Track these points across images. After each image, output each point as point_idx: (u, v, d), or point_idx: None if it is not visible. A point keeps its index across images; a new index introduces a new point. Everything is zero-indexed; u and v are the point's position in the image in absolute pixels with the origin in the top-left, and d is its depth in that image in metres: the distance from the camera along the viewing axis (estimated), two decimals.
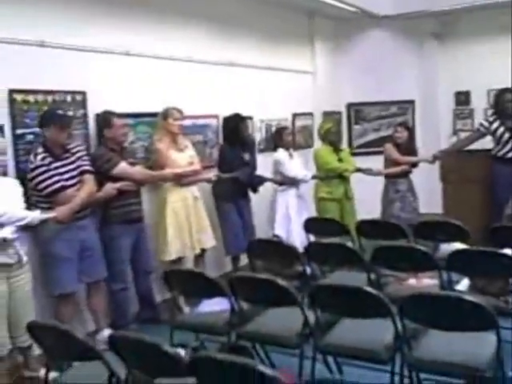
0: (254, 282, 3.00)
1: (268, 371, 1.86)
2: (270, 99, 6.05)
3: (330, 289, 2.84)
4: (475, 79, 6.88)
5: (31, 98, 3.69)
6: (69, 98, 3.94)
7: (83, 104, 4.03)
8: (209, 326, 3.20)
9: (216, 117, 5.32)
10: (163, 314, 4.22)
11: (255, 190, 5.21)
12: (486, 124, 5.55)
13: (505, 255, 3.21)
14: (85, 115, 4.05)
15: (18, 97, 3.62)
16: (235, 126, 5.00)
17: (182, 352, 2.87)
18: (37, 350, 3.25)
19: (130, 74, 4.42)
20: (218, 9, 5.30)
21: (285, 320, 3.00)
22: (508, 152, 5.35)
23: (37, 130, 3.66)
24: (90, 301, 3.91)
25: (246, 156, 5.05)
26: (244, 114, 5.16)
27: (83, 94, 4.02)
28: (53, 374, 2.66)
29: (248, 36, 5.75)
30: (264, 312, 3.20)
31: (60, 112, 3.67)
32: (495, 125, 5.43)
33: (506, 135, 5.33)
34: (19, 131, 3.63)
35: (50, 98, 3.80)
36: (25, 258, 3.23)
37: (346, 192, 5.51)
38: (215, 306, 3.31)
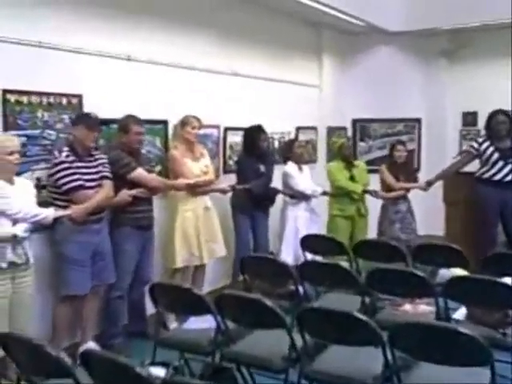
0: (241, 302, 2.89)
1: None
2: (274, 111, 5.95)
3: (318, 312, 2.72)
4: (483, 100, 6.76)
5: (25, 99, 3.60)
6: (64, 101, 3.85)
7: (79, 107, 3.94)
8: (193, 345, 3.08)
9: (217, 127, 5.24)
10: (151, 328, 4.10)
11: (272, 202, 5.20)
12: (475, 145, 5.54)
13: (504, 285, 3.09)
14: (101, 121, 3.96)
15: (12, 97, 3.54)
16: (254, 136, 5.03)
17: (161, 372, 2.78)
18: None
19: (129, 79, 4.34)
20: (225, 18, 5.23)
21: (271, 342, 2.89)
22: (495, 174, 5.28)
23: (30, 132, 3.61)
24: (83, 307, 3.80)
25: (262, 167, 5.05)
26: (246, 125, 5.12)
27: (79, 97, 3.94)
28: None
29: (254, 46, 5.68)
30: (251, 333, 3.09)
31: (92, 114, 3.74)
32: (485, 145, 5.41)
33: (495, 156, 5.29)
34: (11, 133, 3.53)
35: (44, 100, 3.72)
36: (31, 260, 3.21)
37: (358, 209, 5.44)
38: (202, 324, 3.20)
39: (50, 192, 3.58)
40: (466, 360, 2.38)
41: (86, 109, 3.96)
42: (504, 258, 3.84)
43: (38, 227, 3.29)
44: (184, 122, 4.44)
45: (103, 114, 3.93)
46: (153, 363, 2.99)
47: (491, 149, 5.33)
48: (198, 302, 2.97)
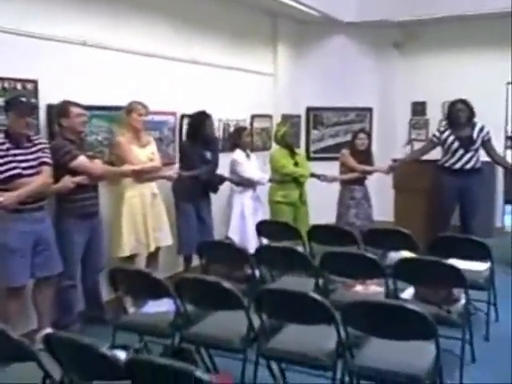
0: (200, 284, 2.97)
1: (205, 376, 1.84)
2: (230, 99, 6.01)
3: (276, 293, 2.83)
4: (432, 91, 7.04)
5: None
6: (19, 86, 3.80)
7: (35, 93, 3.89)
8: (152, 328, 3.15)
9: (174, 114, 5.25)
10: (109, 313, 4.12)
11: (215, 190, 5.16)
12: (437, 134, 5.67)
13: (449, 266, 3.28)
14: (36, 105, 3.91)
15: None
16: (200, 122, 4.95)
17: (122, 354, 2.82)
18: None
19: (85, 65, 4.31)
20: (182, 5, 5.24)
21: (230, 324, 2.98)
22: (456, 162, 5.45)
23: None
24: (36, 296, 3.78)
25: (208, 154, 5.00)
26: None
27: (35, 82, 3.89)
28: None
29: (211, 34, 5.70)
30: (209, 315, 3.17)
31: (22, 99, 3.59)
32: (446, 134, 5.54)
33: (455, 144, 5.43)
34: None
35: None
36: None
37: (300, 196, 5.52)
38: (161, 307, 3.25)
39: None
40: (412, 334, 2.54)
41: (42, 95, 3.92)
42: (451, 241, 4.00)
43: None
44: (130, 109, 4.34)
45: (59, 99, 3.91)
46: (113, 346, 3.02)
47: (451, 137, 5.46)
48: (157, 285, 3.03)
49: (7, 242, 3.47)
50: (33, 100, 3.86)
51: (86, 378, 2.26)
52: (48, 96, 3.94)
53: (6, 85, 3.72)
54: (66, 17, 4.12)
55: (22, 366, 2.39)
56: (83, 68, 4.29)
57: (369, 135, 5.78)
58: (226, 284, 2.82)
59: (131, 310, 3.81)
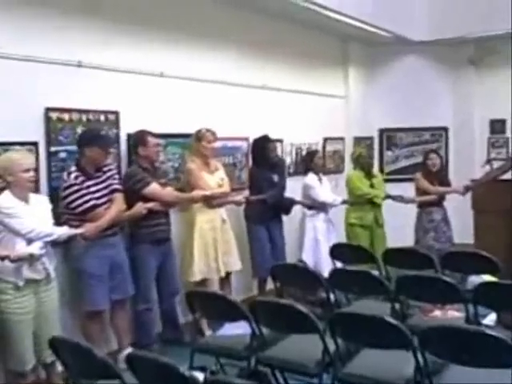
0: (276, 307, 2.98)
1: None
2: (301, 123, 6.08)
3: (351, 317, 2.80)
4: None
5: (66, 116, 3.78)
6: (102, 118, 4.03)
7: (116, 123, 4.12)
8: (229, 350, 3.18)
9: (246, 139, 5.36)
10: (186, 335, 4.21)
11: (287, 212, 5.21)
12: None
13: None
14: (117, 135, 4.14)
15: (54, 115, 3.72)
16: (262, 147, 5.03)
17: (200, 375, 2.88)
18: (60, 367, 3.28)
19: (162, 94, 4.51)
20: (252, 31, 5.38)
21: (305, 347, 2.97)
22: None
23: (70, 147, 3.77)
24: (114, 319, 3.94)
25: (275, 177, 5.06)
26: (274, 137, 5.19)
27: (116, 113, 4.11)
28: None
29: (281, 59, 5.81)
30: (285, 338, 3.18)
31: (104, 133, 3.82)
32: None
33: None
34: (53, 148, 3.73)
35: (84, 117, 3.90)
36: (53, 274, 3.28)
37: (376, 219, 5.47)
38: (237, 330, 3.29)
39: (64, 213, 3.58)
40: (494, 362, 2.43)
41: (123, 125, 4.14)
42: None
43: (53, 243, 3.29)
44: (199, 137, 4.43)
45: (136, 128, 4.11)
46: (191, 367, 3.09)
47: None
48: (233, 308, 3.07)
49: (86, 267, 3.62)
50: (114, 130, 4.08)
51: None
52: (128, 125, 4.16)
53: (91, 116, 3.95)
54: (143, 50, 4.34)
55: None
56: (160, 97, 4.49)
57: (440, 155, 5.63)
58: (301, 307, 2.82)
59: (208, 332, 3.89)
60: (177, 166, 4.66)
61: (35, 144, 3.61)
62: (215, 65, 5.00)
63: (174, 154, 4.65)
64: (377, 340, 2.68)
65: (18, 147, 3.46)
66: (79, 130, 3.85)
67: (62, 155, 3.78)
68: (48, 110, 3.69)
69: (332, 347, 2.82)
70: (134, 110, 4.23)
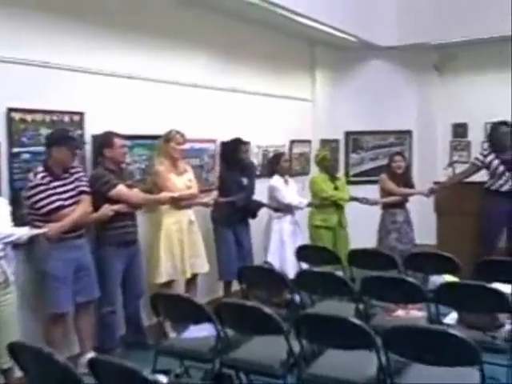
0: (240, 309, 2.99)
1: None
2: (269, 125, 6.10)
3: (315, 318, 2.83)
4: (473, 112, 6.95)
5: (29, 117, 3.71)
6: (67, 119, 3.96)
7: (80, 125, 4.06)
8: (193, 352, 3.17)
9: (213, 141, 5.36)
10: (150, 338, 4.18)
11: (254, 216, 5.21)
12: (480, 157, 5.55)
13: (493, 290, 3.20)
14: (82, 136, 4.07)
15: (16, 116, 3.65)
16: (234, 149, 5.02)
17: (163, 379, 2.86)
18: (18, 373, 3.21)
19: (129, 96, 4.46)
20: (221, 34, 5.38)
21: (270, 349, 2.99)
22: (503, 185, 5.34)
23: (33, 148, 3.70)
24: (77, 322, 3.88)
25: (245, 180, 5.06)
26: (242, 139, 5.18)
27: (81, 114, 4.05)
28: None
29: (249, 62, 5.82)
30: (250, 340, 3.18)
31: (72, 134, 3.76)
32: (490, 157, 5.42)
33: (501, 168, 5.31)
34: (15, 150, 3.65)
35: (47, 118, 3.83)
36: (11, 278, 3.20)
37: (340, 220, 5.53)
38: (202, 332, 3.28)
39: (29, 214, 3.54)
40: (455, 360, 2.49)
41: (88, 126, 4.08)
42: (496, 264, 3.92)
43: (15, 245, 3.25)
44: (168, 138, 4.41)
45: (102, 129, 4.06)
46: (154, 371, 3.07)
47: (496, 161, 5.33)
48: (198, 310, 3.06)
49: (50, 269, 3.56)
50: (79, 131, 4.03)
51: None
52: (93, 127, 4.10)
53: (55, 117, 3.88)
54: (111, 51, 4.29)
55: None
56: (126, 99, 4.44)
57: (405, 158, 5.72)
58: (266, 309, 2.82)
59: (172, 334, 3.86)
60: (143, 168, 4.62)
61: None
62: (183, 67, 4.98)
63: (141, 156, 4.61)
64: (341, 340, 2.71)
65: None
66: (43, 131, 3.78)
67: (25, 156, 3.70)
68: (10, 110, 3.61)
69: (297, 348, 2.85)
70: (100, 111, 4.18)
